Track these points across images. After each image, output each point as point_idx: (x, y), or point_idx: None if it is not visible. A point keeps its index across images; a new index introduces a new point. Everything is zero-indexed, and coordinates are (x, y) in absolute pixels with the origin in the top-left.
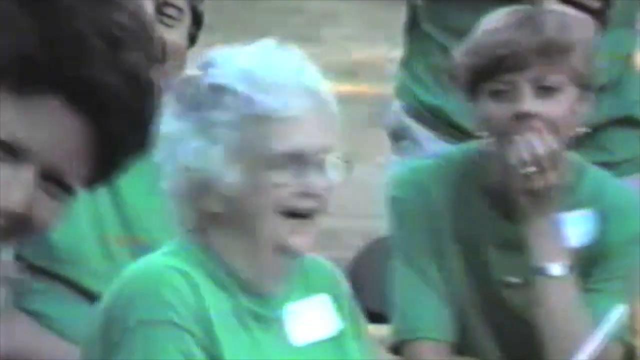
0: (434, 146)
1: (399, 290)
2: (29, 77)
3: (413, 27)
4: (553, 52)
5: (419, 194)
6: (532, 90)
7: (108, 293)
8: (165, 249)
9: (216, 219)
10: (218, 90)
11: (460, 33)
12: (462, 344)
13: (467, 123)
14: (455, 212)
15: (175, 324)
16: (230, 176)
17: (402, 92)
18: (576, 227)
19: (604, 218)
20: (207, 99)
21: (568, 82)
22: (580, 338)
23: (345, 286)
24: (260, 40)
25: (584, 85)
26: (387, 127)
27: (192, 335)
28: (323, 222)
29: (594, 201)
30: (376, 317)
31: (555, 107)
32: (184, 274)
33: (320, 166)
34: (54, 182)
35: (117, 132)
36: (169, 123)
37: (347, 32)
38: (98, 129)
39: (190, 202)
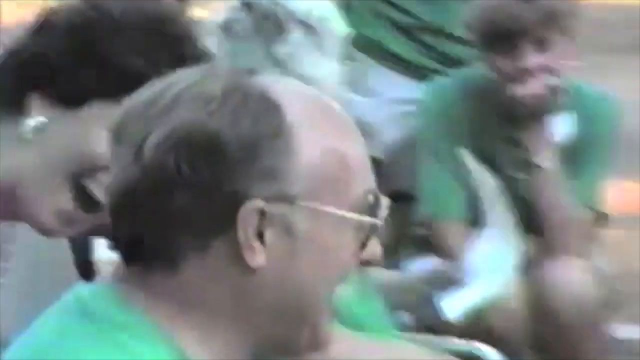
0: (374, 72)
1: (426, 178)
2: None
3: None
4: (548, 17)
5: (443, 105)
6: (532, 48)
7: None
8: None
9: None
10: None
11: None
12: (474, 220)
13: (405, 54)
14: (472, 118)
15: None
16: None
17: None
18: (561, 127)
19: (584, 117)
20: None
21: (560, 36)
22: (566, 217)
23: None
24: None
25: (571, 34)
26: None
27: None
28: None
29: (575, 105)
30: (408, 197)
31: (552, 57)
32: None
33: None
34: None
35: None
36: None
37: None
38: None
39: None
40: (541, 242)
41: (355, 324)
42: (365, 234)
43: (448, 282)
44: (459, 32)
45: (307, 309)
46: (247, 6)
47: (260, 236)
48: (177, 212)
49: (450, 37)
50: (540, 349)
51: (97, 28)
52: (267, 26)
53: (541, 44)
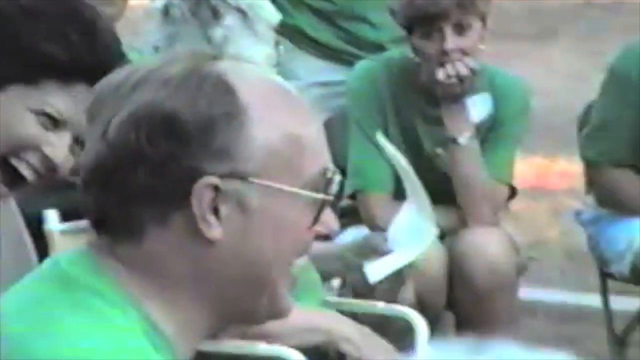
0: (295, 56)
1: (354, 153)
2: (77, 73)
3: None
4: (465, 3)
5: (370, 84)
6: (452, 31)
7: None
8: None
9: None
10: None
11: None
12: (398, 193)
13: (324, 39)
14: (395, 98)
15: None
16: None
17: None
18: (477, 107)
19: (497, 98)
20: None
21: (476, 21)
22: (481, 190)
23: None
24: None
25: (485, 19)
26: None
27: None
28: None
29: (489, 87)
30: (339, 169)
31: (469, 40)
32: None
33: None
34: (77, 143)
35: None
36: None
37: None
38: None
39: None
40: (458, 212)
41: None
42: (318, 209)
43: (374, 250)
44: (376, 17)
45: (264, 280)
46: None
47: (216, 211)
48: (138, 186)
49: (367, 22)
50: (457, 311)
51: (7, 15)
52: (202, 11)
53: (460, 28)
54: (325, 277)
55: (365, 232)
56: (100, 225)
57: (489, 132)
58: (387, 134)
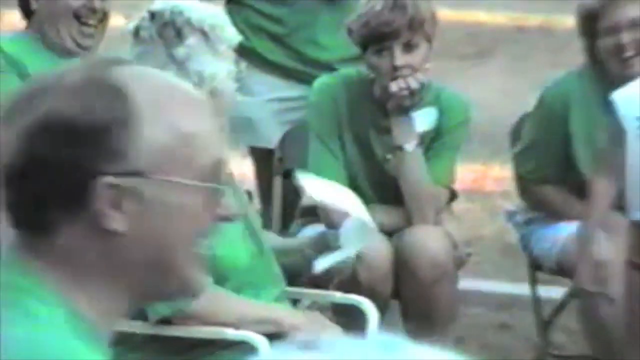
0: (253, 75)
1: (313, 159)
2: None
3: None
4: (414, 25)
5: (329, 98)
6: (401, 49)
7: None
8: None
9: None
10: None
11: None
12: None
13: (277, 59)
14: (351, 110)
15: None
16: None
17: None
18: (423, 119)
19: (441, 111)
20: None
21: (423, 41)
22: (424, 192)
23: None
24: None
25: (431, 40)
26: None
27: None
28: None
29: (435, 102)
30: None
31: (417, 58)
32: None
33: None
34: None
35: None
36: None
37: None
38: None
39: None
40: (404, 212)
41: (251, 282)
42: (214, 197)
43: (327, 246)
44: (324, 40)
45: (171, 263)
46: (152, 15)
47: (119, 205)
48: (44, 189)
49: (317, 44)
50: (403, 300)
51: None
52: (167, 32)
53: (408, 47)
54: (286, 269)
55: (320, 230)
56: (17, 223)
57: (433, 142)
58: (342, 142)
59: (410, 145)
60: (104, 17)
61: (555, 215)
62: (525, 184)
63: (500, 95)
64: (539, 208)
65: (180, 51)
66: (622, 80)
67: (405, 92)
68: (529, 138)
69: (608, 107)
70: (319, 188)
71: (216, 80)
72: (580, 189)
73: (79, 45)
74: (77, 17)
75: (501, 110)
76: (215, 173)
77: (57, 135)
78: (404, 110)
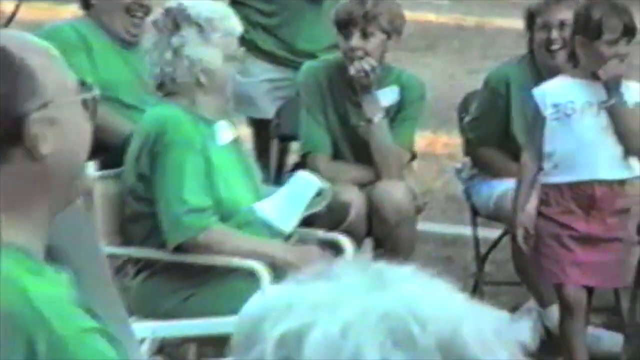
0: (250, 60)
1: (304, 127)
2: None
3: None
4: (368, 16)
5: (314, 79)
6: (358, 36)
7: (145, 122)
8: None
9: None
10: None
11: None
12: (335, 155)
13: (269, 48)
14: (332, 88)
15: (192, 143)
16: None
17: None
18: (387, 96)
19: (402, 89)
20: None
21: (378, 32)
22: (390, 154)
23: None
24: None
25: (387, 32)
26: None
27: (199, 150)
28: None
29: (396, 82)
30: (292, 138)
31: (370, 45)
32: (186, 116)
33: None
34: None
35: None
36: None
37: None
38: None
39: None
40: (374, 169)
41: (250, 221)
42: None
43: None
44: (309, 31)
45: (80, 168)
46: (166, 11)
47: (44, 134)
48: None
49: (302, 36)
50: (375, 238)
51: None
52: (169, 25)
53: (364, 34)
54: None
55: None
56: None
57: (396, 113)
58: (325, 113)
59: (377, 117)
60: (148, 10)
61: (494, 172)
62: (472, 147)
63: (443, 79)
64: (482, 166)
65: (175, 40)
66: (549, 68)
67: (362, 74)
68: (477, 111)
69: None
70: (278, 210)
71: (205, 62)
72: (514, 153)
73: (130, 34)
74: (128, 11)
75: (444, 91)
76: (83, 90)
77: None
78: (366, 89)
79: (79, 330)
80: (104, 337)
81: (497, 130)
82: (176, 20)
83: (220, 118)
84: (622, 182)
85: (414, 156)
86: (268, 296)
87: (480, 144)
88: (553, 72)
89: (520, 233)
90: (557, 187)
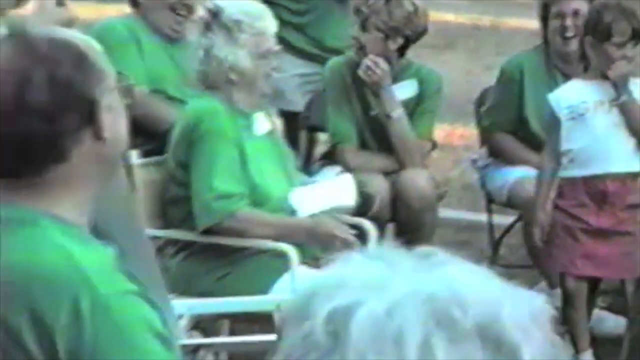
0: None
1: (331, 119)
2: None
3: None
4: (368, 11)
5: (339, 73)
6: (358, 27)
7: (186, 113)
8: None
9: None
10: None
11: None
12: (361, 145)
13: (299, 45)
14: (355, 82)
15: (226, 133)
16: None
17: None
18: (405, 89)
19: (421, 83)
20: None
21: (373, 29)
22: (412, 144)
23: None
24: None
25: (389, 36)
26: None
27: (232, 140)
28: None
29: (415, 75)
30: (320, 129)
31: (365, 38)
32: (223, 108)
33: None
34: None
35: None
36: None
37: None
38: None
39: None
40: (397, 158)
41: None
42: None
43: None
44: (336, 30)
45: (122, 153)
46: (204, 12)
47: (105, 120)
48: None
49: (329, 34)
50: (398, 223)
51: None
52: (202, 27)
53: (363, 28)
54: None
55: (338, 170)
56: (4, 174)
57: (417, 106)
58: (351, 106)
59: (396, 113)
60: (191, 9)
61: (508, 158)
62: (487, 134)
63: (461, 75)
64: (497, 153)
65: (204, 41)
66: (562, 55)
67: (367, 70)
68: (493, 99)
69: (553, 78)
70: (307, 201)
71: (232, 62)
72: (529, 140)
73: (175, 31)
74: (173, 9)
75: (462, 85)
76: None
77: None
78: (375, 85)
79: (122, 291)
80: (145, 301)
81: (512, 116)
82: (208, 22)
83: (256, 110)
84: (634, 177)
85: (434, 145)
86: (321, 274)
87: (496, 130)
88: (565, 60)
89: (537, 232)
90: (572, 180)
